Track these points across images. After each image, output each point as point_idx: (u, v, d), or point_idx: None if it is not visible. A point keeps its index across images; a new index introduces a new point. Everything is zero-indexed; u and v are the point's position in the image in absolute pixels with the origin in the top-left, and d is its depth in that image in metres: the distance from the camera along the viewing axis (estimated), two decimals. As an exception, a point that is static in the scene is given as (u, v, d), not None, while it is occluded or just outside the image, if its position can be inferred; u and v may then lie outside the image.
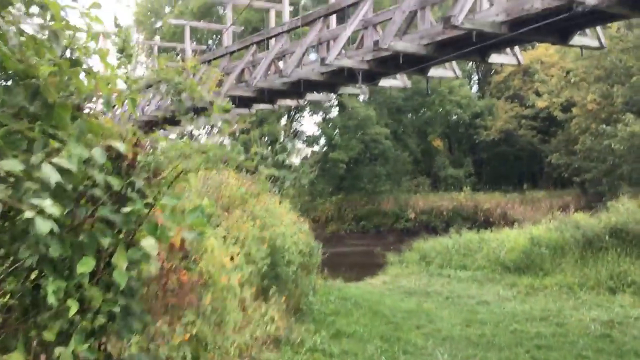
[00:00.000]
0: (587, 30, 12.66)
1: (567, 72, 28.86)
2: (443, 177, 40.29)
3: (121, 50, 3.76)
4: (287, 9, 17.70)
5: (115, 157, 3.22)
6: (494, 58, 14.13)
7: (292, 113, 41.10)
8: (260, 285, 7.67)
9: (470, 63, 48.32)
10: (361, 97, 36.59)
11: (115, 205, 3.19)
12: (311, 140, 39.00)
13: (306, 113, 42.72)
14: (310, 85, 17.72)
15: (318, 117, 40.58)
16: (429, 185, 40.22)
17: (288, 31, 17.21)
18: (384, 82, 17.22)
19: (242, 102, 20.20)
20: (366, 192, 35.22)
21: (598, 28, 12.70)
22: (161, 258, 4.08)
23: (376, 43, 12.63)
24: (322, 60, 14.13)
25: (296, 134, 43.11)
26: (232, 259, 6.17)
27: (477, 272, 15.36)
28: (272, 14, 20.86)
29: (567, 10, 10.05)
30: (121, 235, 3.28)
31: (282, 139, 39.95)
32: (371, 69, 14.50)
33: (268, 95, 18.43)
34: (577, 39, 12.44)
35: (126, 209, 3.14)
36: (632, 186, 23.10)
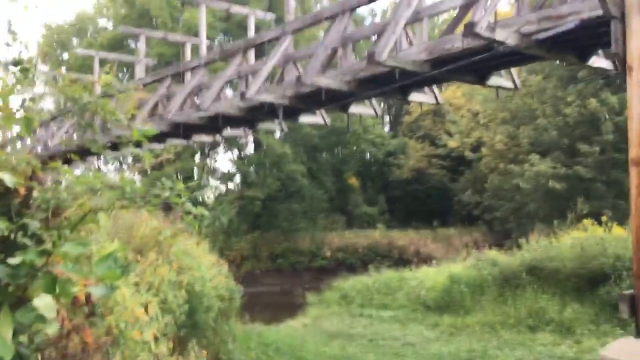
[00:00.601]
0: (502, 72, 12.94)
1: (476, 114, 29.93)
2: (357, 214, 40.43)
3: (16, 64, 3.06)
4: (204, 42, 17.12)
5: (2, 193, 2.53)
6: (414, 96, 14.17)
7: (207, 150, 40.12)
8: (177, 335, 6.88)
9: (382, 103, 49.62)
10: (277, 134, 36.32)
11: (0, 255, 2.48)
12: (226, 178, 38.10)
13: (221, 150, 41.91)
14: (229, 121, 17.12)
15: (233, 155, 39.89)
16: (344, 223, 40.22)
17: (205, 64, 16.63)
18: (304, 118, 16.91)
19: (154, 137, 19.24)
20: (282, 230, 34.62)
21: (512, 70, 12.99)
22: (61, 317, 3.33)
23: (299, 78, 12.28)
24: (242, 94, 13.61)
25: (211, 171, 42.10)
26: (145, 309, 5.40)
27: (399, 311, 15.06)
28: (188, 47, 20.21)
29: (487, 51, 10.12)
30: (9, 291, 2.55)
31: (196, 177, 38.84)
32: (292, 104, 14.14)
33: (183, 130, 17.62)
34: (494, 80, 12.66)
35: (15, 260, 2.43)
36: (540, 223, 23.88)
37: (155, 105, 18.43)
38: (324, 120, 16.98)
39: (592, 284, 12.74)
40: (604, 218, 14.68)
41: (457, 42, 10.61)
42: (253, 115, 15.89)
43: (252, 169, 35.51)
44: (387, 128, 46.51)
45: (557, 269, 13.42)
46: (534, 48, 10.01)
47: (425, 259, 35.11)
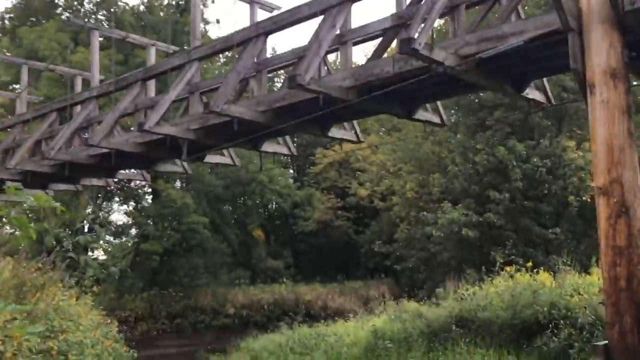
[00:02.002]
0: (429, 107, 11.96)
1: (385, 164, 29.30)
2: (262, 268, 38.39)
3: None
4: (96, 73, 15.06)
5: None
6: (334, 132, 12.86)
7: (99, 201, 36.83)
8: None
9: (283, 157, 48.57)
10: (178, 184, 33.95)
11: None
12: (120, 232, 34.91)
13: (115, 202, 38.69)
14: (124, 159, 14.99)
15: (129, 207, 36.81)
16: (249, 278, 38.00)
17: (97, 96, 14.58)
18: (211, 158, 15.14)
19: (36, 179, 16.65)
20: (182, 286, 31.80)
21: (440, 106, 12.06)
22: None
23: (206, 106, 10.59)
24: (140, 125, 11.68)
25: (103, 224, 38.60)
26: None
27: (318, 373, 13.26)
28: (79, 82, 17.98)
29: (421, 75, 9.00)
30: None
31: (86, 228, 35.31)
32: (198, 139, 12.36)
33: (70, 171, 15.26)
34: (421, 114, 11.62)
35: None
36: (450, 272, 23.10)
37: (39, 144, 15.99)
38: (233, 161, 15.28)
39: (528, 335, 11.61)
40: (528, 264, 13.81)
41: (388, 66, 9.45)
42: (153, 153, 13.94)
43: (149, 221, 32.67)
44: (290, 180, 45.42)
45: (489, 319, 12.22)
46: (472, 73, 9.01)
47: (334, 314, 33.65)
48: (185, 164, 16.35)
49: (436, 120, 11.87)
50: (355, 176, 32.02)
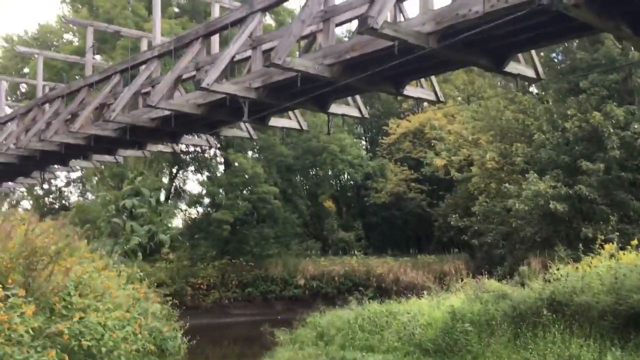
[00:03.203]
0: (522, 58, 10.22)
1: (463, 133, 27.24)
2: (333, 240, 37.36)
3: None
4: (158, 31, 14.12)
5: None
6: (411, 91, 11.33)
7: (174, 170, 36.81)
8: None
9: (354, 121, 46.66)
10: (249, 153, 33.27)
11: None
12: (193, 201, 34.70)
13: (190, 172, 38.58)
14: (186, 123, 14.07)
15: (204, 176, 36.54)
16: (319, 249, 37.11)
17: (159, 56, 13.60)
18: (277, 122, 13.95)
19: (101, 144, 16.08)
20: (252, 255, 31.24)
21: (535, 57, 10.28)
22: None
23: (267, 58, 9.33)
24: (198, 82, 10.59)
25: (180, 193, 38.72)
26: None
27: (389, 355, 11.98)
28: (144, 44, 17.24)
29: (520, 11, 7.38)
30: None
31: (162, 198, 35.38)
32: (260, 98, 11.16)
33: (133, 135, 14.50)
34: (513, 66, 9.89)
35: None
36: (534, 249, 21.14)
37: (102, 108, 15.30)
38: (300, 125, 14.01)
39: (636, 324, 9.88)
40: (634, 242, 11.90)
41: (477, 5, 7.82)
42: (214, 115, 12.89)
43: (221, 190, 32.19)
44: (364, 151, 43.97)
45: (587, 304, 10.53)
46: (583, 9, 7.29)
47: (406, 288, 32.22)
48: (251, 129, 15.30)
49: (530, 74, 10.10)
50: (430, 146, 30.04)
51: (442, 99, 11.37)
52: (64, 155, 17.59)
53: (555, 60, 20.42)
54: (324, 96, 11.88)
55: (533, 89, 23.62)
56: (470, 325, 11.65)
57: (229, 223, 30.40)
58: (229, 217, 30.14)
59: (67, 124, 14.99)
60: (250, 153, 33.83)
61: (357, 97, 12.58)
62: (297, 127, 13.88)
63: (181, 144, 16.21)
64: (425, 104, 17.55)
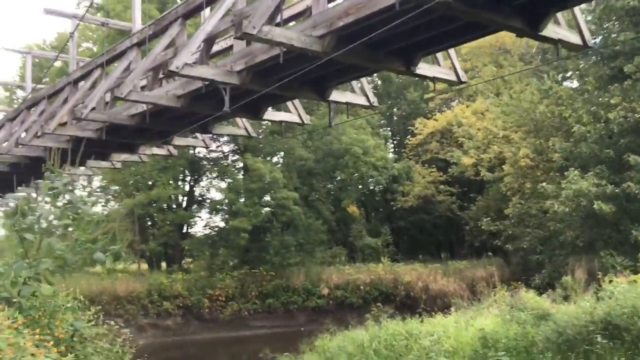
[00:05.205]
0: (562, 19, 8.01)
1: (493, 130, 24.76)
2: (359, 247, 35.20)
3: None
4: (138, 15, 12.31)
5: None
6: (425, 69, 9.17)
7: (191, 177, 35.13)
8: None
9: (387, 128, 44.44)
10: (274, 158, 31.38)
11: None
12: (214, 209, 32.96)
13: (211, 178, 36.82)
14: (171, 120, 12.19)
15: (226, 183, 34.76)
16: (346, 256, 35.01)
17: (138, 44, 11.74)
18: (274, 115, 11.93)
19: (90, 148, 14.32)
20: (273, 265, 29.29)
21: (580, 17, 8.06)
22: None
23: (239, 26, 7.35)
24: (165, 66, 8.67)
25: (199, 201, 37.04)
26: None
27: (407, 390, 9.86)
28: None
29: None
30: None
31: (183, 205, 33.81)
32: (244, 84, 9.13)
33: (116, 135, 12.71)
34: (552, 30, 7.67)
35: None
36: (576, 255, 18.65)
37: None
38: (301, 119, 11.95)
39: None
40: None
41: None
42: (196, 108, 10.96)
43: (241, 197, 30.33)
44: (391, 154, 41.72)
45: (655, 330, 8.22)
46: None
47: (436, 296, 29.90)
48: (248, 125, 13.33)
49: (574, 39, 7.86)
50: (459, 145, 27.65)
51: (463, 78, 9.19)
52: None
53: (594, 43, 17.93)
54: (322, 80, 9.86)
55: (569, 82, 21.10)
56: (505, 354, 9.42)
57: (247, 231, 28.55)
58: (246, 225, 28.28)
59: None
60: (276, 159, 32.05)
61: (364, 81, 10.48)
62: (298, 120, 11.84)
63: (172, 144, 14.34)
64: (446, 91, 15.36)
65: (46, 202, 6.42)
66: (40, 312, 5.55)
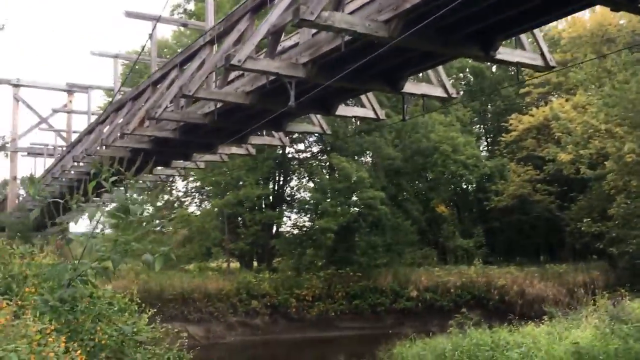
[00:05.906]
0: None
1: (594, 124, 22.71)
2: (451, 248, 33.80)
3: None
4: (211, 13, 12.18)
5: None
6: (506, 54, 8.24)
7: (284, 176, 35.29)
8: None
9: (480, 125, 42.43)
10: (364, 157, 30.84)
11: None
12: (299, 208, 32.89)
13: (301, 177, 36.86)
14: (244, 118, 11.95)
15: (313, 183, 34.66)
16: (437, 258, 33.73)
17: (211, 42, 11.58)
18: (346, 111, 11.37)
19: (169, 147, 14.48)
20: (360, 265, 28.68)
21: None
22: None
23: (296, 12, 6.84)
24: (227, 60, 8.33)
25: (288, 201, 37.16)
26: None
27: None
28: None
29: None
30: None
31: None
32: (310, 77, 8.63)
33: (192, 135, 12.67)
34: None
35: None
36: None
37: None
38: (376, 113, 11.28)
39: None
40: None
41: None
42: (266, 105, 10.60)
43: (327, 196, 30.00)
44: (484, 152, 39.87)
45: None
46: None
47: (532, 302, 28.02)
48: (323, 122, 12.86)
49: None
50: (558, 142, 25.63)
51: (552, 63, 8.15)
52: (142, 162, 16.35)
53: None
54: (394, 71, 9.16)
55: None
56: (603, 372, 8.29)
57: (333, 231, 28.15)
58: (332, 225, 27.88)
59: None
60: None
61: (440, 70, 9.65)
62: (373, 116, 11.19)
63: (249, 143, 14.14)
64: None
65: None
66: (84, 316, 5.30)
